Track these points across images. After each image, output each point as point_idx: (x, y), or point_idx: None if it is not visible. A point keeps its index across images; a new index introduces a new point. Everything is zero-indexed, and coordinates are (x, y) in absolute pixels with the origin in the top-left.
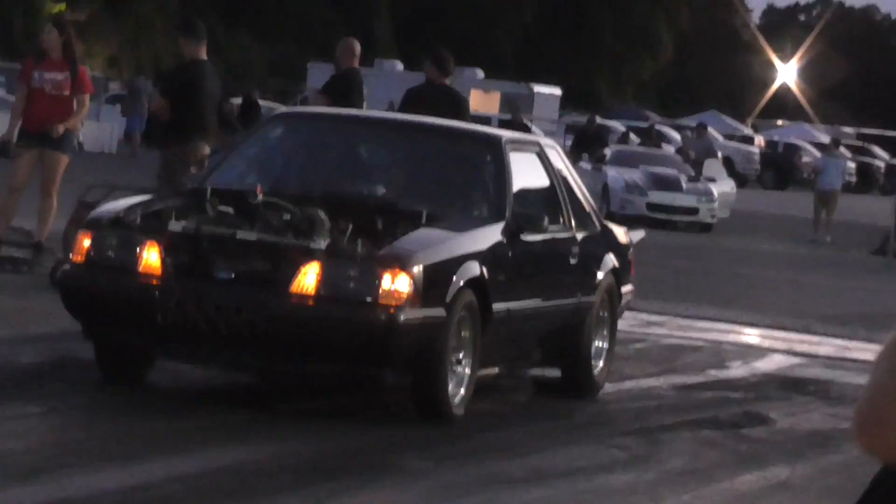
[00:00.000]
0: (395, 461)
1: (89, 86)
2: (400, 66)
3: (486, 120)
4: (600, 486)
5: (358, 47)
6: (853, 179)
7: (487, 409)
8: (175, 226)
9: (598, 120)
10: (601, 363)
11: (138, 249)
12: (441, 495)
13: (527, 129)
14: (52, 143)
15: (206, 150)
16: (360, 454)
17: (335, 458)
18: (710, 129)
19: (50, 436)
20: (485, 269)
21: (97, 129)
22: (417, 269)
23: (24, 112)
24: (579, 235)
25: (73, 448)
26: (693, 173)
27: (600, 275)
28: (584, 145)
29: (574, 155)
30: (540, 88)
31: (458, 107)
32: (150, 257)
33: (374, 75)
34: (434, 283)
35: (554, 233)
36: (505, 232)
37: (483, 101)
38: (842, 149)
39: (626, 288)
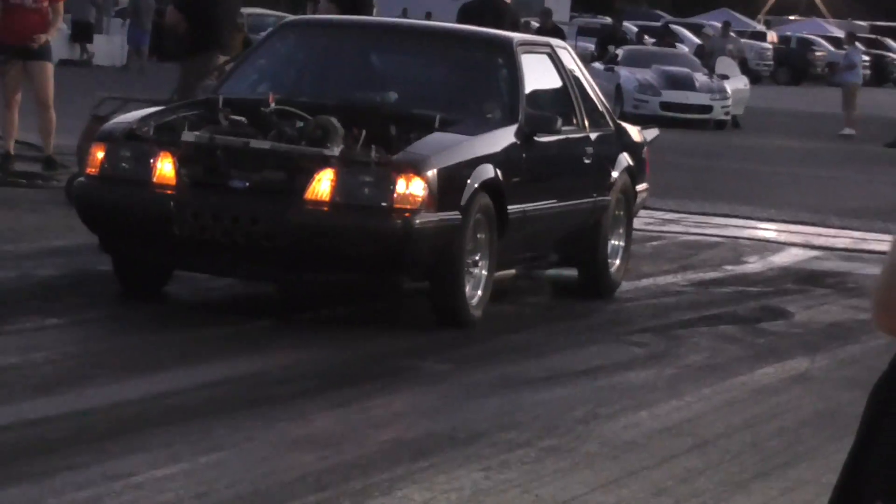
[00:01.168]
0: (414, 365)
1: None
2: None
3: None
4: (620, 383)
5: None
6: (867, 73)
7: (505, 311)
8: (188, 136)
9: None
10: (618, 262)
11: (152, 161)
12: (461, 397)
13: (560, 34)
14: (35, 54)
15: (222, 60)
16: (379, 359)
17: (354, 364)
18: (717, 25)
19: (71, 348)
20: (499, 172)
21: (106, 42)
22: (432, 173)
23: (4, 27)
24: (593, 135)
25: (93, 359)
26: (706, 71)
27: (615, 174)
28: (608, 46)
29: (600, 57)
30: None
31: (511, 22)
32: (165, 168)
33: None
34: (449, 186)
35: (567, 133)
36: (518, 134)
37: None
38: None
39: (642, 186)
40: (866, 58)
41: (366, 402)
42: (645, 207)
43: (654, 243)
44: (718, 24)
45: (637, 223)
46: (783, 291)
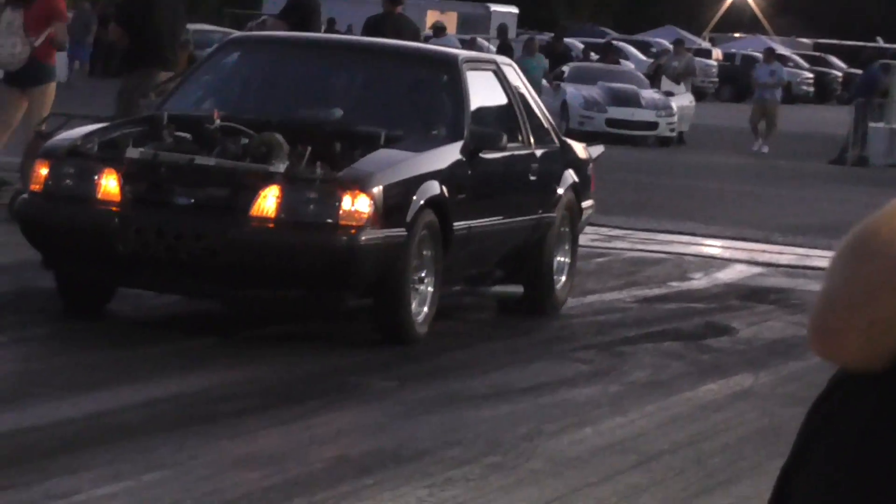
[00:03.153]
0: (358, 382)
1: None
2: None
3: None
4: (564, 399)
5: None
6: (811, 90)
7: (450, 328)
8: (132, 153)
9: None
10: (563, 278)
11: (96, 177)
12: (405, 414)
13: (510, 52)
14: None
15: (164, 76)
16: (325, 377)
17: (299, 381)
18: (667, 44)
19: (12, 365)
20: (444, 188)
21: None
22: (377, 190)
23: None
24: (538, 152)
25: (35, 377)
26: (650, 87)
27: (560, 191)
28: (553, 64)
29: (550, 73)
30: (497, 7)
31: (412, 34)
32: (109, 185)
33: (334, 1)
34: (394, 203)
35: (513, 150)
36: (463, 151)
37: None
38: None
39: (587, 203)
40: (809, 75)
41: (310, 420)
42: (590, 224)
43: (600, 260)
44: (667, 42)
45: (582, 239)
46: (727, 308)
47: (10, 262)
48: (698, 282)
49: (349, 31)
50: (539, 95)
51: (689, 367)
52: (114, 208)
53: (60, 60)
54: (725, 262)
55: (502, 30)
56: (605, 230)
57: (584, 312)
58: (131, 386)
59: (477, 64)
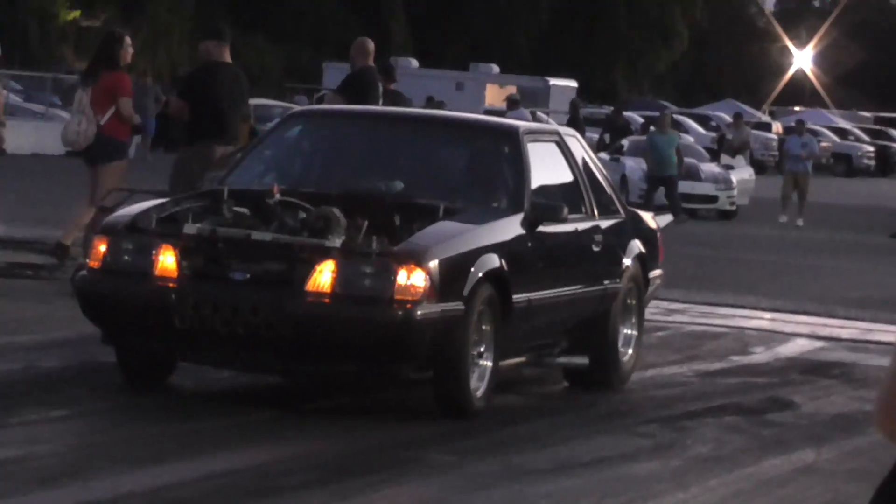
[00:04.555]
0: (418, 456)
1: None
2: (415, 63)
3: (501, 114)
4: (626, 474)
5: (371, 46)
6: (871, 163)
7: (511, 401)
8: (190, 228)
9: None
10: (630, 351)
11: (154, 253)
12: (466, 488)
13: (580, 125)
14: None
15: (223, 151)
16: (384, 450)
17: (358, 455)
18: (727, 118)
19: (74, 440)
20: (504, 262)
21: None
22: (433, 264)
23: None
24: (603, 223)
25: (97, 451)
26: (712, 161)
27: (626, 261)
28: (614, 137)
29: (610, 146)
30: (556, 81)
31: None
32: (166, 261)
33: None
34: (451, 277)
35: (575, 221)
36: (524, 223)
37: (499, 95)
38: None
39: (654, 273)
40: (870, 148)
41: (370, 494)
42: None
43: (660, 333)
44: (727, 116)
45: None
46: (789, 382)
47: (72, 336)
48: (759, 356)
49: (428, 103)
50: (673, 174)
51: (751, 441)
52: (171, 284)
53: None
54: (787, 336)
55: (574, 105)
56: (665, 303)
57: (645, 386)
58: (191, 460)
59: (539, 135)
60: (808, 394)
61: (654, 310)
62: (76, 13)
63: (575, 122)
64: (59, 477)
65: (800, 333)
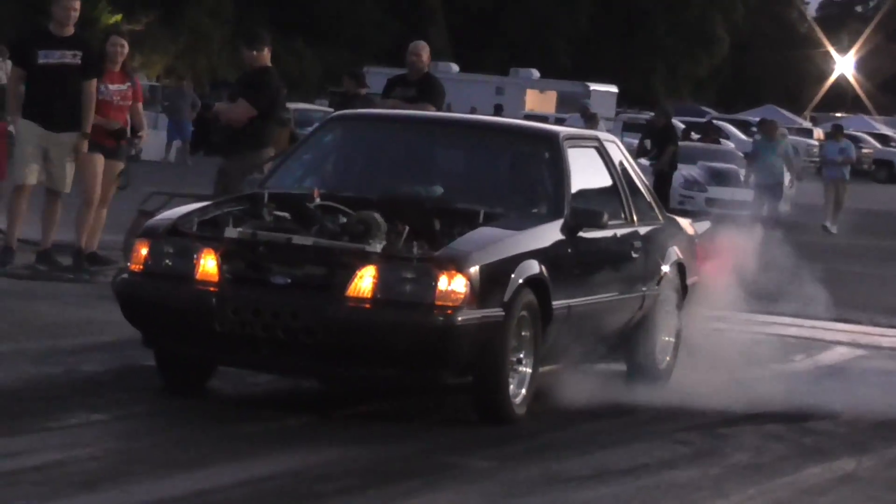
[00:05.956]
0: (457, 462)
1: (141, 95)
2: (455, 67)
3: (542, 119)
4: (665, 481)
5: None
6: None
7: (550, 407)
8: (231, 232)
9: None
10: (667, 357)
11: (195, 257)
12: (504, 494)
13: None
14: (112, 153)
15: (267, 155)
16: (424, 456)
17: (397, 460)
18: None
19: (115, 443)
20: (544, 268)
21: (154, 137)
22: (474, 270)
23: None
24: (641, 229)
25: (137, 455)
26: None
27: (664, 268)
28: (656, 141)
29: (652, 152)
30: (596, 87)
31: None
32: (207, 264)
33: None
34: (492, 283)
35: (615, 227)
36: (564, 229)
37: (539, 100)
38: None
39: (693, 280)
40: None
41: (409, 499)
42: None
43: (701, 340)
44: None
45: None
46: (829, 390)
47: (113, 339)
48: (800, 364)
49: (472, 112)
50: (778, 183)
51: (791, 449)
52: (212, 288)
53: (159, 139)
54: (827, 343)
55: (665, 112)
56: (704, 310)
57: (685, 393)
58: (231, 464)
59: (578, 141)
60: (849, 402)
61: (693, 316)
62: (117, 17)
63: (667, 130)
64: (99, 481)
65: (840, 341)
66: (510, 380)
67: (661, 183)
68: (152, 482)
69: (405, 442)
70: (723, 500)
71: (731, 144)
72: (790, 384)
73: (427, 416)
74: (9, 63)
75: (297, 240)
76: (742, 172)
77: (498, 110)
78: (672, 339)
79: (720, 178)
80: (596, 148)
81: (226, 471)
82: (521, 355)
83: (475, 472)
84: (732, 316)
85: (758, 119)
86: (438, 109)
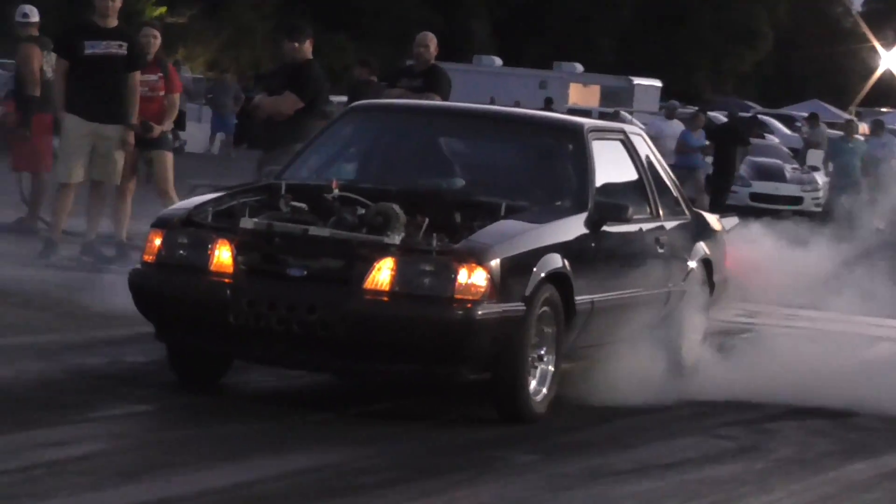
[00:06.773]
0: (499, 456)
1: (179, 86)
2: (498, 61)
3: (586, 113)
4: (709, 476)
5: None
6: None
7: (591, 402)
8: (247, 223)
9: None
10: (694, 353)
11: (209, 248)
12: (547, 488)
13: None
14: (153, 143)
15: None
16: (466, 449)
17: (440, 453)
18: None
19: (158, 434)
20: (566, 262)
21: (198, 129)
22: (495, 263)
23: None
24: (667, 224)
25: (180, 447)
26: (797, 163)
27: (691, 264)
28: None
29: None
30: (640, 81)
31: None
32: (222, 256)
33: (474, 71)
34: (513, 277)
35: (640, 222)
36: (587, 223)
37: (582, 94)
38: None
39: (719, 276)
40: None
41: (452, 493)
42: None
43: (744, 335)
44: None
45: (727, 315)
46: (874, 386)
47: (147, 332)
48: (845, 359)
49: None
50: (855, 183)
51: (835, 445)
52: (226, 279)
53: (203, 132)
54: (872, 339)
55: (548, 101)
56: (749, 306)
57: (727, 388)
58: (273, 457)
59: (603, 133)
60: (894, 398)
61: (737, 311)
62: (162, 9)
63: (735, 130)
64: (141, 472)
65: (886, 337)
66: (531, 377)
67: (725, 180)
68: (195, 474)
69: (446, 436)
70: (767, 495)
71: (775, 139)
72: (835, 380)
73: (468, 409)
74: (53, 56)
75: (314, 231)
76: (787, 168)
77: (548, 104)
78: (699, 336)
79: (764, 172)
80: (621, 140)
81: (267, 463)
82: (543, 352)
83: (518, 466)
84: (776, 311)
85: (806, 114)
86: (445, 100)
